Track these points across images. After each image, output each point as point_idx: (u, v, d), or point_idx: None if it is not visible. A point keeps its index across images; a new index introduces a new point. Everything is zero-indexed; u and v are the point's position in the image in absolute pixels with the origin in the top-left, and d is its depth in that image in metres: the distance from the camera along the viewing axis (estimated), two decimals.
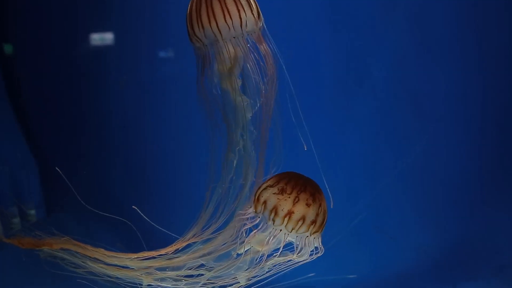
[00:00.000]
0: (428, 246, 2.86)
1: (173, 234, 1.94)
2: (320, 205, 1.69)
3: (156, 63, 2.80)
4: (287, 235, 1.68)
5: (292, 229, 1.66)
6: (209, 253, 1.80)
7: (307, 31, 2.76)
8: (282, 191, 1.67)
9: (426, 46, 2.76)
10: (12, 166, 2.73)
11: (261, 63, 1.87)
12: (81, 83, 2.81)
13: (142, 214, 1.94)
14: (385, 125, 2.84)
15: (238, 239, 1.74)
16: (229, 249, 1.77)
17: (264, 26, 1.87)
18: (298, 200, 1.67)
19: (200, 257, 1.79)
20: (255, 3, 1.83)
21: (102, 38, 2.75)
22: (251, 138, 1.91)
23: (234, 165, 1.92)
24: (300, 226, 1.66)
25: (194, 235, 1.87)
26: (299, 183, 1.68)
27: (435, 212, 2.89)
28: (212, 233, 1.89)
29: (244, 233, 1.75)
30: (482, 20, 2.68)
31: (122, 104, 2.85)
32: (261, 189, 1.72)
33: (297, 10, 2.72)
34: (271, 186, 1.70)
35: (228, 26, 1.75)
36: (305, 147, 1.87)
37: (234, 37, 1.78)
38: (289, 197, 1.66)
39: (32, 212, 2.72)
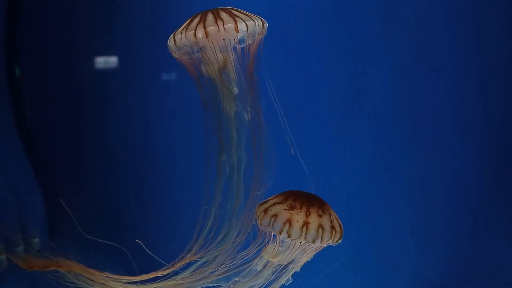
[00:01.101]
0: (428, 272, 2.87)
1: (173, 266, 1.96)
2: (330, 215, 1.72)
3: (159, 85, 2.86)
4: (308, 246, 1.69)
5: (314, 239, 1.66)
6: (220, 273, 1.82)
7: (306, 50, 2.83)
8: (292, 207, 1.70)
9: (424, 64, 2.82)
10: (19, 194, 2.76)
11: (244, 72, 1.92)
12: (86, 107, 2.87)
13: (145, 248, 1.98)
14: (384, 144, 2.88)
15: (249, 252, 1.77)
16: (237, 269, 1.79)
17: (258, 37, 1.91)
18: (310, 213, 1.69)
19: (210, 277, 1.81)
20: (257, 16, 1.88)
21: (107, 61, 2.81)
22: (242, 158, 1.94)
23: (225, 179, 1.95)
24: (322, 234, 1.67)
25: (194, 252, 1.89)
26: (305, 200, 1.72)
27: (435, 238, 2.90)
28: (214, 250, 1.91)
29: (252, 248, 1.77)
30: (480, 37, 2.75)
31: (125, 126, 2.90)
32: (267, 204, 1.74)
33: (296, 28, 2.81)
34: (279, 203, 1.72)
35: (219, 29, 1.78)
36: (292, 151, 1.91)
37: (223, 40, 1.82)
38: (301, 211, 1.69)
39: (36, 240, 2.73)
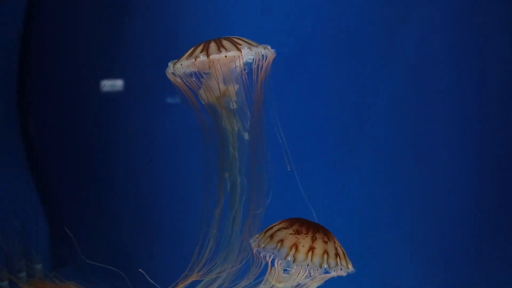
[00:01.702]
0: None
1: None
2: (335, 242, 1.74)
3: (164, 109, 2.89)
4: (313, 269, 1.67)
5: (321, 263, 1.66)
6: None
7: (308, 79, 2.87)
8: (298, 232, 1.71)
9: (424, 94, 2.85)
10: (23, 220, 2.77)
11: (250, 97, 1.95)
12: (90, 132, 2.92)
13: (148, 278, 1.98)
14: (385, 173, 2.89)
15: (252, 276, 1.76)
16: None
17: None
18: (316, 238, 1.70)
19: None
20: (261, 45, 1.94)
21: (113, 84, 2.85)
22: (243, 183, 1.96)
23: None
24: (327, 260, 1.67)
25: (196, 273, 1.89)
26: (311, 226, 1.74)
27: (438, 263, 2.88)
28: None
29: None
30: (479, 65, 2.79)
31: (130, 154, 2.94)
32: (273, 230, 1.75)
33: (298, 58, 2.84)
34: (285, 228, 1.73)
35: (221, 56, 1.84)
36: (288, 167, 1.92)
37: (226, 66, 1.88)
38: (307, 236, 1.70)
39: (39, 266, 2.73)
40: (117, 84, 2.88)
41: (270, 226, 1.78)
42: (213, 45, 1.87)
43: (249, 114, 2.00)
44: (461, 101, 2.82)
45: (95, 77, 2.88)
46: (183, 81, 1.92)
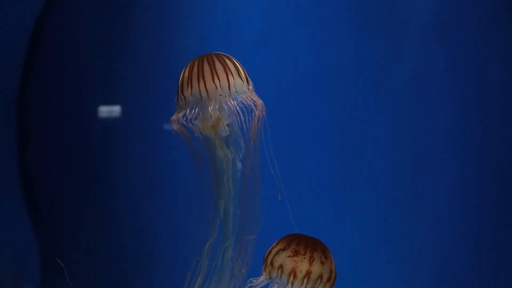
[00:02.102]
0: None
1: None
2: (331, 262, 1.73)
3: (163, 135, 2.90)
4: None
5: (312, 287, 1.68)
6: None
7: (302, 111, 2.90)
8: (296, 253, 1.70)
9: (419, 132, 2.88)
10: (16, 249, 2.76)
11: (245, 127, 1.97)
12: (87, 161, 2.93)
13: None
14: (383, 208, 2.89)
15: None
16: None
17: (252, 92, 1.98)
18: (313, 259, 1.69)
19: None
20: (243, 69, 1.97)
21: (110, 111, 2.89)
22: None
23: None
24: (318, 284, 1.68)
25: None
26: (309, 243, 1.72)
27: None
28: None
29: None
30: (480, 90, 2.83)
31: (128, 183, 2.95)
32: (272, 254, 1.73)
33: (293, 90, 2.89)
34: (283, 249, 1.71)
35: (215, 86, 1.89)
36: (279, 196, 1.93)
37: (220, 95, 1.91)
38: (305, 258, 1.69)
39: None
40: (116, 108, 2.91)
41: (269, 250, 1.76)
42: (208, 75, 1.91)
43: (243, 145, 2.02)
44: (457, 134, 2.84)
45: (94, 101, 2.90)
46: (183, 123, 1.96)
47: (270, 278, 1.72)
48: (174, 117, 1.98)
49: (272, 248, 1.75)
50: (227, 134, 1.98)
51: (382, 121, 2.86)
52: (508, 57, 2.81)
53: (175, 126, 1.97)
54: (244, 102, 1.96)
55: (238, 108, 1.96)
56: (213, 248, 1.99)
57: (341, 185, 2.89)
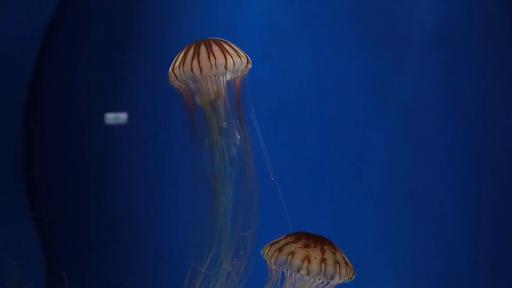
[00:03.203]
0: None
1: None
2: (341, 252, 1.74)
3: (167, 143, 2.95)
4: (322, 281, 1.68)
5: (333, 275, 1.67)
6: None
7: (303, 125, 2.93)
8: (306, 246, 1.70)
9: (419, 142, 2.90)
10: (21, 261, 2.79)
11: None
12: (91, 167, 2.98)
13: None
14: (381, 222, 2.91)
15: None
16: None
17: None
18: (324, 250, 1.70)
19: None
20: (244, 53, 2.02)
21: (116, 117, 2.93)
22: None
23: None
24: (340, 269, 1.67)
25: None
26: (317, 239, 1.74)
27: None
28: None
29: None
30: (478, 102, 2.85)
31: (132, 187, 2.98)
32: (280, 244, 1.73)
33: (295, 102, 2.92)
34: (293, 242, 1.72)
35: (211, 65, 1.91)
36: (272, 177, 1.94)
37: (215, 76, 1.94)
38: (316, 249, 1.69)
39: None
40: (120, 117, 2.95)
41: (276, 240, 1.76)
42: (203, 52, 1.94)
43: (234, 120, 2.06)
44: (458, 142, 2.87)
45: (99, 107, 2.96)
46: (182, 84, 1.99)
47: (275, 264, 1.69)
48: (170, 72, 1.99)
49: (280, 239, 1.75)
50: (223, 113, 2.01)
51: (384, 130, 2.89)
52: (507, 66, 2.84)
53: (175, 82, 1.99)
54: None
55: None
56: (211, 248, 2.02)
57: (343, 196, 2.91)
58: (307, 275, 1.64)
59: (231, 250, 2.03)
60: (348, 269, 1.70)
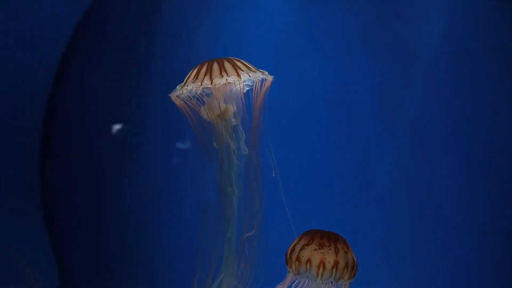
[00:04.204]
0: None
1: None
2: (352, 253, 1.77)
3: (172, 155, 3.00)
4: (332, 285, 1.72)
5: (340, 278, 1.72)
6: None
7: (313, 142, 2.95)
8: (321, 246, 1.73)
9: (427, 154, 2.91)
10: (34, 268, 2.82)
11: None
12: (104, 177, 3.03)
13: None
14: (389, 234, 2.91)
15: None
16: None
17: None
18: (338, 250, 1.73)
19: None
20: (256, 68, 2.07)
21: (125, 129, 2.99)
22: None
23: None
24: (345, 273, 1.72)
25: None
26: (330, 235, 1.76)
27: None
28: None
29: None
30: (487, 117, 2.86)
31: (142, 199, 3.02)
32: (296, 250, 1.75)
33: (303, 128, 2.95)
34: (307, 244, 1.74)
35: (222, 77, 1.97)
36: (273, 173, 1.96)
37: (227, 89, 2.02)
38: (330, 249, 1.72)
39: None
40: (129, 129, 3.01)
41: (292, 247, 1.78)
42: (215, 68, 1.99)
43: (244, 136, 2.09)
44: (467, 154, 2.88)
45: (111, 123, 3.01)
46: (186, 102, 2.04)
47: (298, 273, 1.73)
48: (176, 92, 2.04)
49: (295, 245, 1.77)
50: (233, 123, 2.05)
51: (392, 143, 2.90)
52: None
53: (176, 101, 2.05)
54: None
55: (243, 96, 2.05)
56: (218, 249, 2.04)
57: (353, 207, 2.91)
58: (321, 279, 1.71)
59: (238, 251, 2.04)
60: (352, 273, 1.74)
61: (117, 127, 3.01)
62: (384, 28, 2.92)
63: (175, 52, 2.99)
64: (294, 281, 1.76)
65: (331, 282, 1.72)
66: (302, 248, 1.74)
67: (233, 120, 2.08)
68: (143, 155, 3.04)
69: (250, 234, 2.06)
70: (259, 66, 2.95)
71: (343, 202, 2.93)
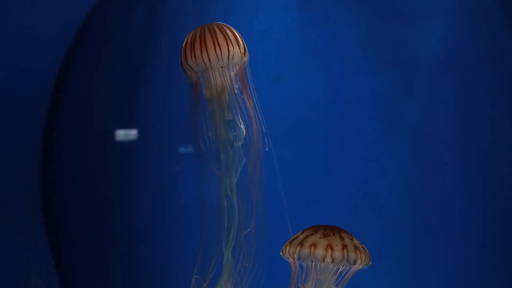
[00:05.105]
0: None
1: None
2: (357, 240, 1.75)
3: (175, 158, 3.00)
4: (344, 268, 1.69)
5: (355, 260, 1.67)
6: None
7: (315, 158, 2.95)
8: (325, 235, 1.70)
9: (430, 165, 2.90)
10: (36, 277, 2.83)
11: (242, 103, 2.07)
12: (105, 185, 3.04)
13: None
14: (392, 241, 2.91)
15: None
16: None
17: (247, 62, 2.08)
18: (343, 238, 1.71)
19: None
20: (243, 41, 2.07)
21: (127, 134, 2.99)
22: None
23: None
24: (359, 254, 1.68)
25: None
26: (334, 228, 1.74)
27: None
28: None
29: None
30: (489, 126, 2.86)
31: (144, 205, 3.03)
32: (300, 239, 1.72)
33: (305, 135, 2.95)
34: (311, 234, 1.72)
35: (217, 56, 1.97)
36: (266, 147, 1.99)
37: (221, 67, 2.01)
38: (335, 237, 1.70)
39: None
40: (131, 133, 3.02)
41: (294, 237, 1.75)
42: (210, 43, 1.99)
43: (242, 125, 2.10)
44: (469, 165, 2.87)
45: (114, 130, 3.03)
46: (194, 72, 2.05)
47: (298, 258, 1.68)
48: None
49: (297, 235, 1.74)
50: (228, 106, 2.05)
51: (394, 153, 2.90)
52: None
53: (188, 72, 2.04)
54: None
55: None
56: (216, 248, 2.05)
57: (354, 219, 2.90)
58: (332, 262, 1.65)
59: (237, 248, 2.05)
60: (366, 254, 1.71)
61: (119, 131, 3.02)
62: (386, 38, 2.92)
63: (177, 57, 2.98)
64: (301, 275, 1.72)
65: (344, 265, 1.67)
66: (306, 237, 1.71)
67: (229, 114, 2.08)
68: (146, 160, 3.04)
69: (250, 245, 2.05)
70: (260, 71, 2.99)
71: (344, 210, 2.92)
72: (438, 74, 2.88)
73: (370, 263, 1.73)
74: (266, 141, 2.08)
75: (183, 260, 2.91)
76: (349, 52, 2.93)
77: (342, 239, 1.69)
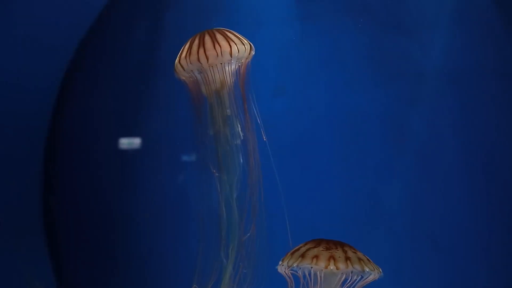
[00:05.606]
0: None
1: None
2: (361, 253, 1.74)
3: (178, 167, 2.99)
4: (353, 275, 1.68)
5: (361, 269, 1.66)
6: None
7: (319, 171, 2.94)
8: (328, 248, 1.70)
9: (435, 177, 2.89)
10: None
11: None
12: (108, 194, 3.03)
13: None
14: (398, 256, 2.88)
15: None
16: None
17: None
18: (346, 251, 1.70)
19: None
20: (246, 39, 2.05)
21: (130, 142, 2.98)
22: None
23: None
24: (365, 264, 1.68)
25: None
26: (336, 242, 1.74)
27: None
28: None
29: None
30: (494, 138, 2.85)
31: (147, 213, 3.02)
32: (301, 251, 1.71)
33: (308, 148, 2.93)
34: (313, 247, 1.71)
35: (216, 53, 1.94)
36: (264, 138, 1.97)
37: (220, 64, 1.98)
38: (338, 250, 1.70)
39: None
40: (134, 142, 3.01)
41: (296, 248, 1.75)
42: (208, 42, 1.97)
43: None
44: (475, 177, 2.86)
45: (116, 139, 3.02)
46: (188, 76, 2.03)
47: (299, 268, 1.68)
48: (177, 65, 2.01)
49: (300, 247, 1.74)
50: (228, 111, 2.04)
51: (399, 166, 2.88)
52: None
53: (181, 74, 2.00)
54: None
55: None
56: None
57: (359, 233, 2.88)
58: (337, 270, 1.64)
59: (236, 253, 2.04)
60: (372, 265, 1.70)
61: (122, 140, 3.03)
62: (389, 50, 2.92)
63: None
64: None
65: (352, 273, 1.66)
66: (308, 250, 1.70)
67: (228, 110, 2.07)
68: (147, 168, 3.04)
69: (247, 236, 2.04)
70: (262, 84, 3.00)
71: (348, 223, 2.90)
72: (441, 86, 2.88)
73: (381, 274, 1.72)
74: (268, 151, 2.07)
75: (183, 266, 2.89)
76: (351, 65, 2.93)
77: (345, 252, 1.69)
